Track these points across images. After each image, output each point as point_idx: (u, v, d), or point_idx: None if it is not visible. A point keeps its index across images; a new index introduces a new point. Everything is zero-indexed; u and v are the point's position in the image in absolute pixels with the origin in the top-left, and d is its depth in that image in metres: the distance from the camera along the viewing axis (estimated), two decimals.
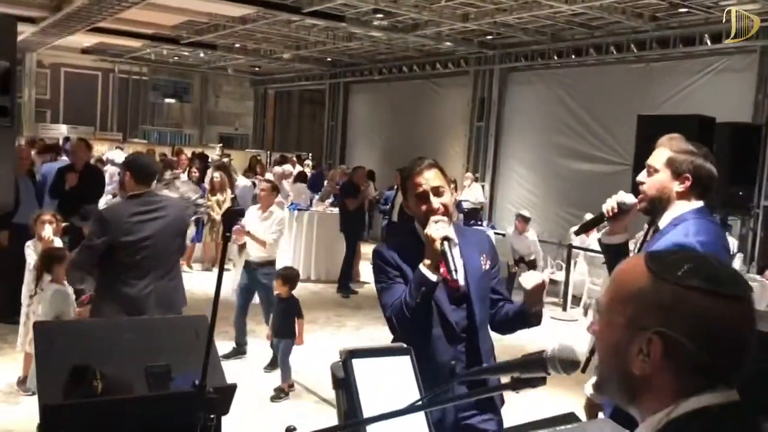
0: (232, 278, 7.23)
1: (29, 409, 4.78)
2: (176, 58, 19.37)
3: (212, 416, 2.03)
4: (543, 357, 1.16)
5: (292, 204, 11.07)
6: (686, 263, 1.02)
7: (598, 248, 9.33)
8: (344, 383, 1.64)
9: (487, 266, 2.52)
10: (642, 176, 2.55)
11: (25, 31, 14.88)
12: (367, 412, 1.59)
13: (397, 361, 1.74)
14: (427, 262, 2.32)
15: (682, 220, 2.40)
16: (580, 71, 12.16)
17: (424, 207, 2.46)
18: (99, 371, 2.19)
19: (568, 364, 1.14)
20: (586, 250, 9.66)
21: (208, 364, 2.23)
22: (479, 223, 10.93)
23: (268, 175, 12.44)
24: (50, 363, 2.29)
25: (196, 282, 9.79)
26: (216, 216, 10.22)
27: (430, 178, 2.48)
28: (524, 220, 9.92)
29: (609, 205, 2.62)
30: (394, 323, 2.36)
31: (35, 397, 3.74)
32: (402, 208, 10.00)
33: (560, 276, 10.02)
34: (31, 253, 5.25)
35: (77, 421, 2.10)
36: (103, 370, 2.23)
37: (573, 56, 11.95)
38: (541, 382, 1.22)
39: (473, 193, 12.74)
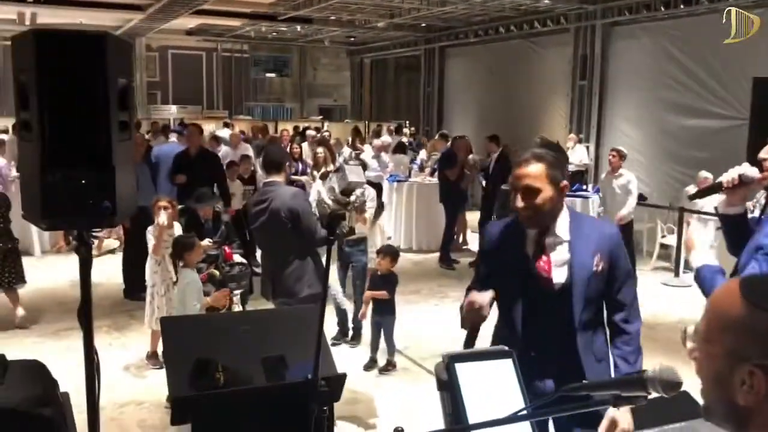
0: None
1: (157, 381, 5.19)
2: (274, 33, 19.80)
3: (325, 408, 2.16)
4: (644, 377, 1.16)
5: (391, 176, 11.18)
6: None
7: (712, 211, 8.87)
8: (448, 386, 1.70)
9: (599, 267, 2.40)
10: (765, 152, 2.54)
11: (134, 18, 15.65)
12: (471, 416, 1.65)
13: (499, 364, 1.78)
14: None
15: None
16: (691, 21, 11.43)
17: (513, 202, 2.45)
18: (221, 364, 2.36)
19: (668, 385, 1.14)
20: (699, 213, 9.21)
21: (324, 354, 2.36)
22: (584, 187, 10.63)
23: (367, 147, 12.61)
24: (177, 356, 2.50)
25: None
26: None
27: (524, 176, 2.39)
28: (619, 156, 8.96)
29: (730, 176, 2.54)
30: None
31: (162, 371, 4.08)
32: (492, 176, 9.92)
33: (672, 240, 9.63)
34: (151, 238, 5.61)
35: (203, 410, 2.29)
36: (224, 362, 2.41)
37: (682, 6, 11.25)
38: (642, 400, 1.23)
39: (577, 155, 12.37)
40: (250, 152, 11.16)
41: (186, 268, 4.85)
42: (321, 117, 21.00)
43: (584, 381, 1.32)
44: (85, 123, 2.11)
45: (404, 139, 15.32)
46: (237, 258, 6.56)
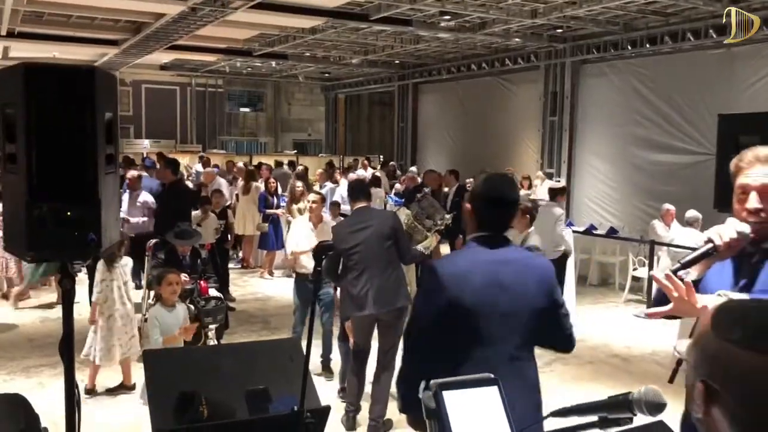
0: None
1: (135, 415, 5.10)
2: (249, 69, 19.94)
3: None
4: (630, 399, 1.21)
5: None
6: (739, 315, 1.03)
7: (682, 242, 9.01)
8: (435, 414, 1.72)
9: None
10: (754, 202, 2.07)
11: (109, 53, 15.66)
12: None
13: (485, 391, 1.80)
14: None
15: None
16: (656, 60, 11.82)
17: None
18: (204, 397, 2.36)
19: (653, 406, 1.19)
20: (668, 245, 9.41)
21: (307, 386, 2.37)
22: None
23: (344, 182, 12.68)
24: (160, 389, 2.48)
25: (278, 288, 10.12)
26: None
27: None
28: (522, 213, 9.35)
29: (727, 235, 2.05)
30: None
31: (135, 404, 4.01)
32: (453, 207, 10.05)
33: (643, 272, 9.79)
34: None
35: None
36: (207, 395, 2.40)
37: (647, 45, 11.63)
38: (628, 421, 1.27)
39: (545, 191, 12.59)
40: (223, 188, 11.19)
41: (159, 304, 4.82)
42: (295, 151, 21.09)
43: (571, 405, 1.35)
44: (72, 156, 2.13)
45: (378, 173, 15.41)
46: (212, 292, 6.52)
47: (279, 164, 14.72)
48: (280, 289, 10.08)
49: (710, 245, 2.05)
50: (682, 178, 10.89)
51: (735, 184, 2.17)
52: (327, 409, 2.45)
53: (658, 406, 1.18)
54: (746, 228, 2.06)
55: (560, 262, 8.61)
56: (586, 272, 10.90)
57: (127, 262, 5.91)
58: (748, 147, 4.14)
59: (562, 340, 2.61)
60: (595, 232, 11.47)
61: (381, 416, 4.98)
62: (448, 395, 1.74)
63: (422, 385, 1.78)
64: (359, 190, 5.39)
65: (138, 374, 5.43)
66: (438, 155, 17.10)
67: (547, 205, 8.40)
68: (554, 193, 8.86)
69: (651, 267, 9.41)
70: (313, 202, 6.60)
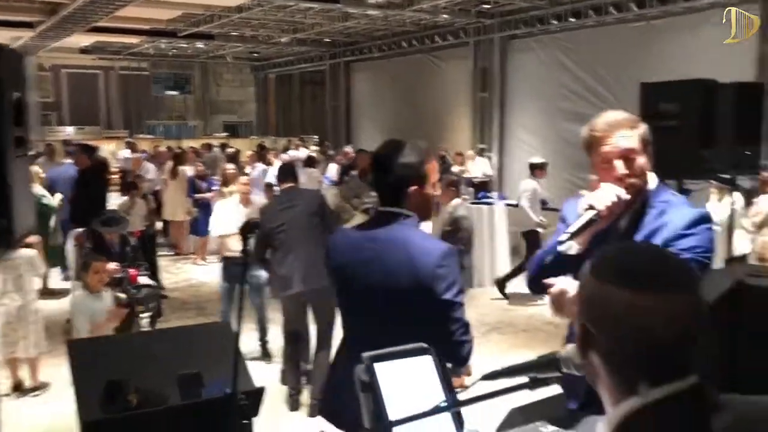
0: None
1: (59, 410, 4.92)
2: (175, 50, 19.38)
3: (245, 421, 2.12)
4: (557, 357, 1.22)
5: None
6: (614, 258, 1.06)
7: None
8: (369, 387, 1.71)
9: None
10: (621, 169, 2.09)
11: (23, 36, 14.92)
12: (393, 414, 1.66)
13: (419, 361, 1.80)
14: None
15: (663, 191, 2.20)
16: (580, 34, 12.06)
17: (437, 195, 2.44)
18: (134, 385, 2.28)
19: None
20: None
21: (240, 369, 2.32)
22: (488, 195, 10.94)
23: (278, 163, 12.51)
24: (86, 378, 2.39)
25: (212, 274, 9.92)
26: None
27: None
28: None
29: (608, 199, 2.04)
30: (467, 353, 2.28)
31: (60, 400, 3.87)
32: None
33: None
34: None
35: None
36: (137, 382, 2.33)
37: (572, 19, 11.84)
38: (557, 381, 1.28)
39: (479, 168, 12.76)
40: (152, 173, 10.89)
41: (83, 291, 4.64)
42: (226, 134, 20.68)
43: (501, 367, 1.36)
44: None
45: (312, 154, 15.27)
46: (144, 279, 6.34)
47: (208, 147, 14.40)
48: (214, 275, 9.86)
49: (593, 212, 2.05)
50: None
51: (594, 154, 2.16)
52: (261, 390, 2.41)
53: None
54: (622, 191, 2.08)
55: (529, 238, 8.80)
56: (517, 243, 11.11)
57: (26, 254, 5.50)
58: (668, 114, 4.26)
59: (444, 348, 1.88)
60: None
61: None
62: (380, 367, 1.73)
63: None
64: (287, 171, 5.45)
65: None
66: (372, 134, 17.05)
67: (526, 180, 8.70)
68: (533, 168, 9.14)
69: None
70: (243, 183, 6.51)
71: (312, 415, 4.95)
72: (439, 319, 2.14)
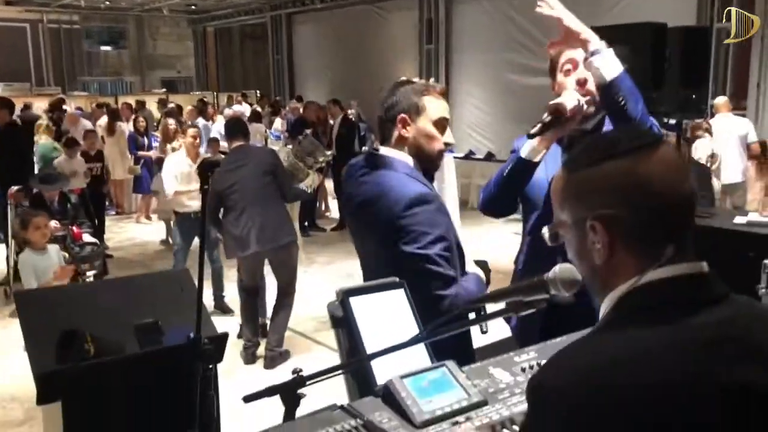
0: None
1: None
2: (107, 2, 18.50)
3: (210, 366, 2.06)
4: (545, 279, 1.19)
5: None
6: (588, 145, 1.06)
7: None
8: (344, 322, 1.67)
9: None
10: (579, 84, 2.25)
11: None
12: (369, 348, 1.63)
13: (392, 295, 1.77)
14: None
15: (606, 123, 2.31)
16: None
17: (438, 136, 2.11)
18: (89, 334, 2.18)
19: (569, 283, 1.18)
20: None
21: (201, 316, 2.24)
22: None
23: (220, 119, 12.20)
24: (37, 330, 2.28)
25: (157, 233, 9.69)
26: None
27: (448, 108, 2.16)
28: None
29: (570, 102, 2.14)
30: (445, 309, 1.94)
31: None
32: (339, 140, 9.90)
33: None
34: None
35: (74, 385, 2.10)
36: (92, 332, 2.23)
37: None
38: (543, 303, 1.26)
39: None
40: (93, 128, 10.46)
41: (28, 249, 4.44)
42: (164, 90, 20.00)
43: (485, 293, 1.33)
44: None
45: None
46: (87, 238, 6.13)
47: (142, 105, 13.90)
48: (159, 233, 9.67)
49: (555, 115, 2.12)
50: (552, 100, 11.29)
51: (559, 61, 2.39)
52: (225, 336, 2.35)
53: (573, 283, 1.17)
54: (582, 98, 2.19)
55: None
56: (467, 196, 11.20)
57: None
58: (619, 56, 4.27)
59: (423, 302, 1.82)
60: (474, 157, 11.77)
61: (278, 346, 4.96)
62: (354, 301, 1.70)
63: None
64: (237, 128, 5.22)
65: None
66: (317, 87, 16.76)
67: None
68: None
69: None
70: (192, 136, 6.26)
71: (268, 367, 4.92)
72: (410, 272, 1.87)
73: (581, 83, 2.23)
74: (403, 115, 2.09)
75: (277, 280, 5.11)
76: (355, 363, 1.54)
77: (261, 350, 5.10)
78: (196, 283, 2.10)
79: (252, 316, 5.07)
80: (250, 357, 5.02)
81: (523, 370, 1.74)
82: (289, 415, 1.57)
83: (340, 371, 1.60)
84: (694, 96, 4.70)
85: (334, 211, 10.09)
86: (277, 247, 4.88)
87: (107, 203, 10.23)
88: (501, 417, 1.56)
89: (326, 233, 9.51)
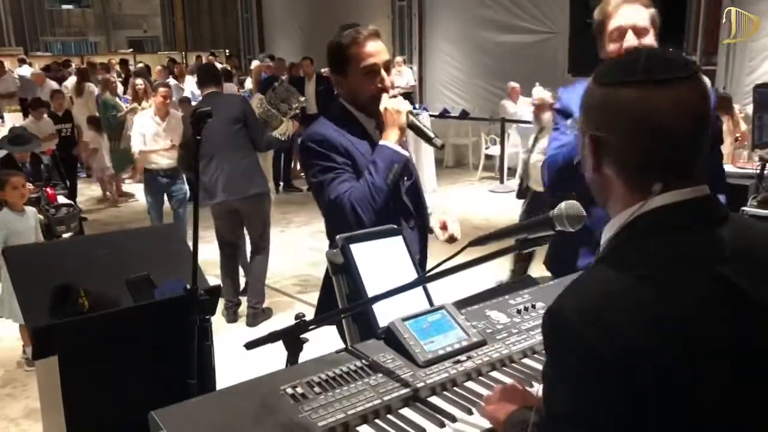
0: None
1: None
2: None
3: (207, 317, 2.08)
4: (550, 216, 1.22)
5: None
6: (615, 64, 1.07)
7: (529, 118, 9.56)
8: (345, 268, 1.69)
9: None
10: (631, 40, 2.15)
11: None
12: (370, 293, 1.66)
13: (390, 241, 1.80)
14: (393, 138, 2.13)
15: None
16: None
17: (374, 85, 2.15)
18: (83, 289, 2.18)
19: (575, 219, 1.21)
20: (517, 122, 9.85)
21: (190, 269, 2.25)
22: (414, 106, 10.91)
23: (190, 79, 11.99)
24: (29, 286, 2.26)
25: (132, 194, 9.59)
26: None
27: (380, 51, 2.16)
28: None
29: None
30: (358, 212, 2.05)
31: None
32: (320, 96, 9.85)
33: (495, 150, 10.23)
34: None
35: (70, 339, 2.10)
36: (84, 287, 2.22)
37: None
38: (546, 240, 1.29)
39: (404, 78, 12.62)
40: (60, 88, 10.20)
41: (6, 209, 4.35)
42: (131, 50, 19.54)
43: (490, 232, 1.36)
44: None
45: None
46: (61, 199, 6.04)
47: (106, 68, 13.55)
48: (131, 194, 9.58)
49: None
50: (527, 58, 11.27)
51: (606, 28, 2.25)
52: (218, 288, 2.36)
53: (579, 218, 1.20)
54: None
55: None
56: (442, 155, 11.22)
57: None
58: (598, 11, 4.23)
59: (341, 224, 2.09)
60: (448, 115, 11.75)
61: (260, 303, 4.98)
62: (355, 248, 1.72)
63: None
64: (209, 75, 5.09)
65: None
66: (287, 46, 16.49)
67: None
68: None
69: (503, 144, 9.85)
70: (162, 95, 6.13)
71: (251, 324, 4.95)
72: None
73: (630, 51, 2.15)
74: (334, 74, 2.22)
75: (248, 233, 5.07)
76: (360, 305, 1.57)
77: (242, 309, 5.11)
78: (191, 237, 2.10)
79: (231, 274, 5.04)
80: (231, 315, 5.02)
81: (519, 311, 1.80)
82: (292, 359, 1.60)
83: (344, 314, 1.64)
84: (671, 48, 4.73)
85: None
86: (247, 197, 4.81)
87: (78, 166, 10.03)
88: (501, 355, 1.61)
89: (303, 193, 9.48)
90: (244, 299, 5.11)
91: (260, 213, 4.98)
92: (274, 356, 1.74)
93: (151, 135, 5.87)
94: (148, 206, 5.98)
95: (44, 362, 2.13)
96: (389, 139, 2.15)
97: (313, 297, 5.33)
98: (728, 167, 4.61)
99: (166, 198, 6.01)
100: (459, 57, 12.91)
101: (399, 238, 1.80)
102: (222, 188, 4.74)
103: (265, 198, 5.04)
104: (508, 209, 8.31)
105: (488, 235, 1.34)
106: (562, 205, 1.21)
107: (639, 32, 2.15)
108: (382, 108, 2.15)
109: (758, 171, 3.21)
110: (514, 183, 9.91)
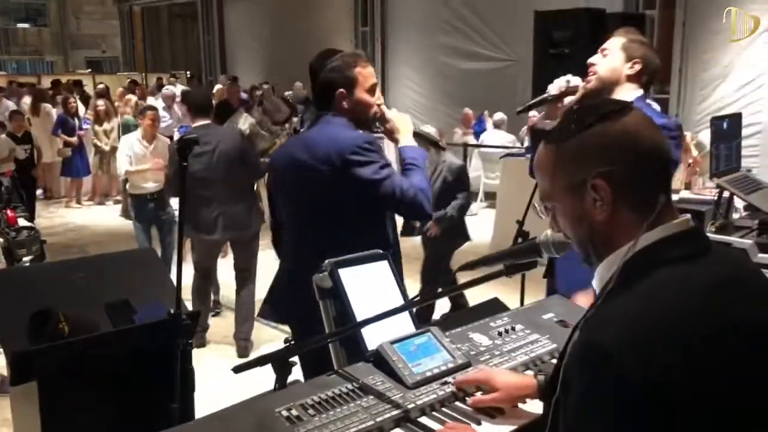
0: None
1: None
2: None
3: (189, 342, 2.09)
4: (537, 242, 1.29)
5: (182, 126, 10.67)
6: (569, 118, 1.15)
7: (492, 144, 9.74)
8: (333, 292, 1.73)
9: None
10: (595, 58, 2.54)
11: None
12: (358, 316, 1.71)
13: (376, 266, 1.85)
14: (410, 140, 2.37)
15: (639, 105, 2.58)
16: None
17: (373, 101, 2.38)
18: (62, 313, 2.17)
19: (560, 245, 1.28)
20: (479, 146, 10.03)
21: (169, 293, 2.26)
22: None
23: (152, 100, 11.89)
24: (6, 311, 2.24)
25: (92, 217, 9.43)
26: (104, 147, 9.73)
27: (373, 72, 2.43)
28: None
29: (557, 84, 2.69)
30: (425, 198, 2.28)
31: None
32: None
33: None
34: None
35: (50, 364, 2.09)
36: (64, 311, 2.22)
37: None
38: (533, 265, 1.36)
39: None
40: (18, 108, 10.01)
41: None
42: (89, 70, 19.30)
43: (478, 258, 1.42)
44: None
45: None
46: (22, 222, 5.92)
47: (79, 83, 13.35)
48: (92, 218, 9.43)
49: (546, 94, 2.64)
50: (486, 84, 11.54)
51: None
52: (198, 313, 2.37)
53: (564, 245, 1.27)
54: (577, 80, 2.58)
55: None
56: None
57: None
58: (561, 42, 4.51)
59: (405, 214, 2.54)
60: None
61: (248, 336, 4.87)
62: (343, 272, 1.77)
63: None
64: (204, 104, 4.83)
65: None
66: (249, 68, 16.51)
67: None
68: None
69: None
70: (150, 119, 6.01)
71: (242, 355, 4.78)
72: (375, 199, 2.26)
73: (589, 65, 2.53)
74: (341, 90, 2.34)
75: (237, 263, 4.97)
76: (350, 329, 1.62)
77: (209, 334, 5.05)
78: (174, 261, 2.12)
79: (204, 298, 4.96)
80: (200, 340, 4.86)
81: (500, 333, 1.86)
82: (281, 382, 1.64)
83: (335, 338, 1.68)
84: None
85: None
86: (240, 235, 4.76)
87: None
88: None
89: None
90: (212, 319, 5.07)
91: (253, 245, 4.91)
92: (238, 379, 1.78)
93: (138, 158, 5.81)
94: (136, 232, 5.82)
95: (20, 389, 2.11)
96: (409, 142, 2.38)
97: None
98: (684, 193, 4.81)
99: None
100: (420, 82, 13.12)
101: (385, 263, 1.86)
102: (223, 227, 4.63)
103: (258, 232, 4.95)
104: (472, 231, 8.43)
105: (477, 261, 1.41)
106: (548, 231, 1.28)
107: (603, 55, 2.50)
108: (391, 117, 2.38)
109: (716, 197, 3.37)
110: (476, 206, 10.07)
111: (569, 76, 2.62)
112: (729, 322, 1.01)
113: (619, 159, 1.08)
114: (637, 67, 2.45)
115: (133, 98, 10.70)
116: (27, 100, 11.29)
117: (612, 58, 2.47)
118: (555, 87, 2.65)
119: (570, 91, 2.61)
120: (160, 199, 5.78)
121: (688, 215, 1.12)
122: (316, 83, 2.43)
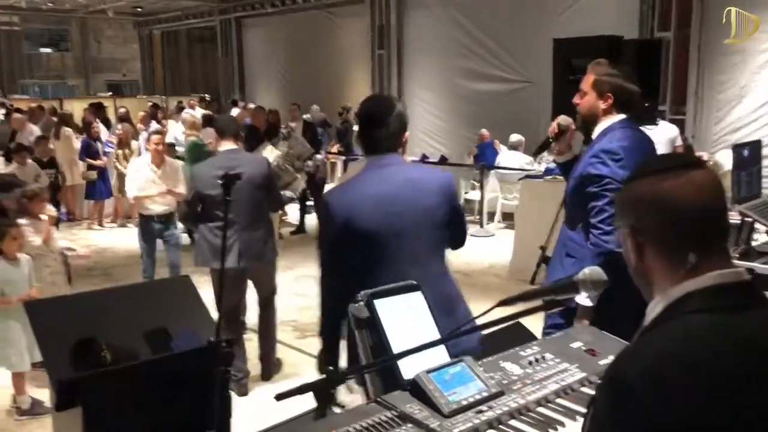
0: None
1: None
2: (50, 4, 18.04)
3: (228, 369, 2.16)
4: (575, 281, 1.36)
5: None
6: (645, 162, 1.27)
7: (508, 164, 9.84)
8: (369, 322, 1.80)
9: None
10: (576, 99, 2.86)
11: None
12: (394, 345, 1.77)
13: (410, 297, 1.91)
14: None
15: (610, 130, 2.76)
16: None
17: None
18: (105, 341, 2.25)
19: (598, 283, 1.35)
20: (496, 168, 10.09)
21: (204, 320, 2.34)
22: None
23: (172, 123, 12.08)
24: (51, 339, 2.33)
25: (112, 239, 9.58)
26: (124, 170, 9.89)
27: None
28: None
29: (551, 127, 3.03)
30: None
31: None
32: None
33: (475, 195, 10.44)
34: None
35: (94, 391, 2.17)
36: (106, 340, 2.30)
37: None
38: (570, 301, 1.43)
39: None
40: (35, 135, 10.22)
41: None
42: (110, 93, 19.63)
43: (518, 293, 1.48)
44: None
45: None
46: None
47: (100, 106, 13.52)
48: (114, 240, 9.56)
49: (546, 137, 3.06)
50: (502, 105, 11.63)
51: None
52: (234, 340, 2.44)
53: (602, 282, 1.34)
54: (565, 120, 2.96)
55: None
56: None
57: None
58: (580, 69, 4.64)
59: (460, 239, 2.68)
60: (428, 161, 11.98)
61: (273, 356, 4.88)
62: (379, 303, 1.83)
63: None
64: (231, 128, 4.72)
65: None
66: (267, 92, 16.75)
67: None
68: None
69: (483, 189, 10.07)
70: (155, 143, 6.20)
71: (266, 378, 4.70)
72: (459, 221, 2.64)
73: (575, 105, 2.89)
74: (407, 133, 2.58)
75: (258, 292, 4.86)
76: (390, 360, 1.68)
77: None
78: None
79: (239, 345, 4.58)
80: (243, 389, 4.52)
81: (530, 363, 1.92)
82: (321, 411, 1.70)
83: (373, 368, 1.74)
84: (647, 105, 5.00)
85: (292, 217, 10.14)
86: (260, 263, 4.66)
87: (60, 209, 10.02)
88: (518, 405, 1.73)
89: (283, 239, 9.54)
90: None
91: (271, 273, 4.84)
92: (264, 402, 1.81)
93: (148, 181, 5.94)
94: (142, 251, 5.99)
95: (64, 414, 2.18)
96: None
97: (304, 343, 5.40)
98: None
99: (160, 242, 6.03)
100: (437, 104, 13.24)
101: (418, 294, 1.92)
102: (238, 254, 4.46)
103: (275, 261, 4.90)
104: (488, 253, 8.48)
105: (518, 296, 1.47)
106: (586, 270, 1.34)
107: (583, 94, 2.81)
108: None
109: (739, 223, 3.42)
110: (493, 227, 10.14)
111: (560, 118, 3.00)
112: (759, 374, 1.04)
113: (647, 216, 1.16)
114: (610, 101, 2.74)
115: (95, 122, 10.64)
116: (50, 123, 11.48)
117: (587, 98, 2.78)
118: (550, 128, 3.03)
119: (562, 130, 2.98)
120: (166, 221, 5.95)
121: (742, 269, 1.16)
122: (376, 128, 2.47)
